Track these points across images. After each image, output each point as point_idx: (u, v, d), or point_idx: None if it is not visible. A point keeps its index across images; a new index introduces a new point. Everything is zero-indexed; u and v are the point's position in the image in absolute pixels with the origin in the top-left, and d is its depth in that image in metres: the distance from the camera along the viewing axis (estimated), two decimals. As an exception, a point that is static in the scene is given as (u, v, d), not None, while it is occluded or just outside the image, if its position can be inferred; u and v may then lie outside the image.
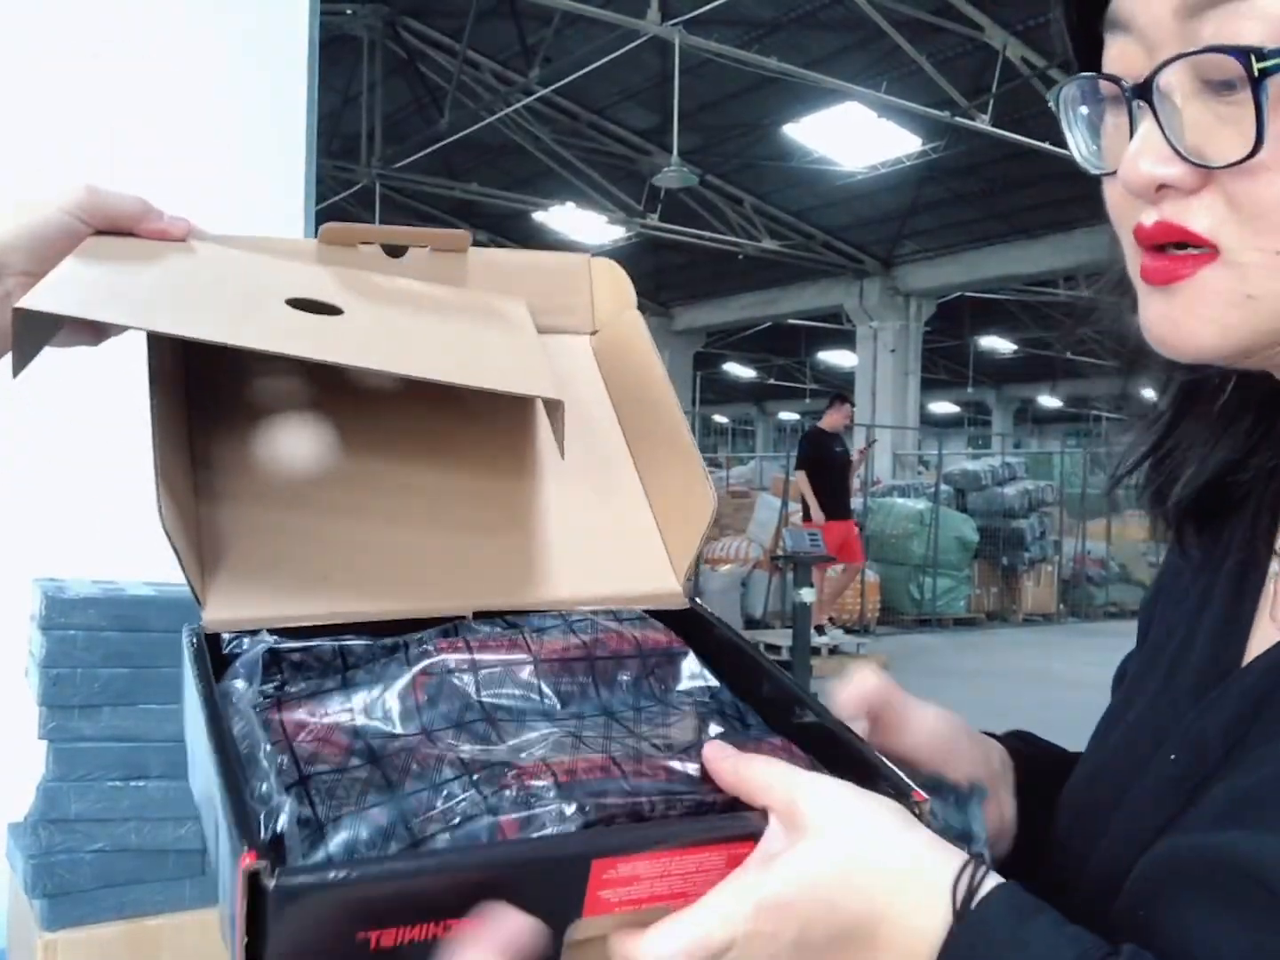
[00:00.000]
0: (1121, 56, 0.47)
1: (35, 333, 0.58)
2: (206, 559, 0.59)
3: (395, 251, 0.69)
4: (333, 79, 10.70)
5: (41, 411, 2.14)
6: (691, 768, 0.50)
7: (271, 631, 0.57)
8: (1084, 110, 0.51)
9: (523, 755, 0.50)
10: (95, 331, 0.66)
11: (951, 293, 14.70)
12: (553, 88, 10.44)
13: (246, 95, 2.34)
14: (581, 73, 9.71)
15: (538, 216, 13.07)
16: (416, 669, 0.54)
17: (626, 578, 0.65)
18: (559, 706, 0.55)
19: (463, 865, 0.43)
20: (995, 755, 0.65)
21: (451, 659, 0.55)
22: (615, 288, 0.73)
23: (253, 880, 0.39)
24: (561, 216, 12.59)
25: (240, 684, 0.54)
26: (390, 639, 0.56)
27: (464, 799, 0.46)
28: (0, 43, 2.12)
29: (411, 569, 0.61)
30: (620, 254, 14.56)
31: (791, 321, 16.75)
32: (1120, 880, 0.51)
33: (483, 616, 0.60)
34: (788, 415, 23.97)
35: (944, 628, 10.09)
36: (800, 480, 7.75)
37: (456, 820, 0.45)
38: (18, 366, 0.59)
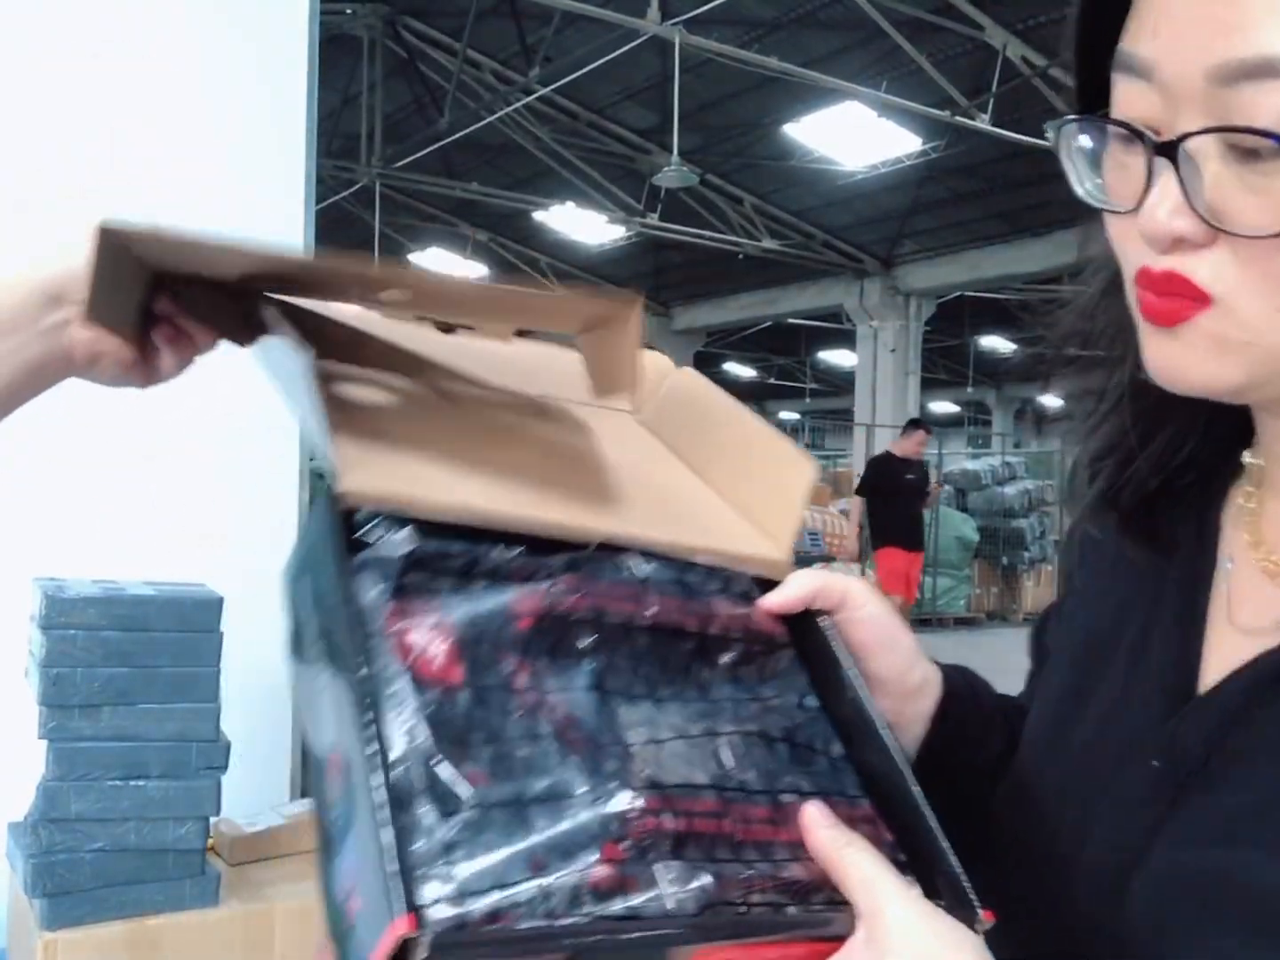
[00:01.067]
0: (1139, 101, 0.47)
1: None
2: (344, 446, 0.55)
3: (446, 327, 0.74)
4: (333, 79, 10.70)
5: (41, 412, 2.13)
6: (790, 832, 0.50)
7: (403, 526, 0.54)
8: (1085, 142, 0.51)
9: (629, 742, 0.50)
10: (147, 375, 0.68)
11: (951, 292, 14.68)
12: (553, 87, 10.44)
13: (246, 95, 2.34)
14: (581, 72, 9.71)
15: (538, 216, 13.07)
16: (540, 600, 0.53)
17: (738, 538, 0.63)
18: (663, 682, 0.54)
19: (588, 938, 0.43)
20: (921, 672, 0.65)
21: (573, 600, 0.53)
22: (651, 373, 0.74)
23: (403, 944, 0.39)
24: (561, 216, 12.58)
25: (369, 581, 0.51)
26: (521, 558, 0.55)
27: (582, 817, 0.46)
28: (0, 43, 2.11)
29: (545, 492, 0.60)
30: (620, 254, 14.58)
31: (791, 321, 16.73)
32: (1117, 893, 0.51)
33: (606, 550, 0.57)
34: (788, 415, 23.95)
35: (944, 627, 10.09)
36: (854, 505, 7.62)
37: (574, 858, 0.45)
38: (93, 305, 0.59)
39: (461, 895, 0.42)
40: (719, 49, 9.02)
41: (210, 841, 1.79)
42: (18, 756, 1.72)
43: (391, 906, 0.40)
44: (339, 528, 0.52)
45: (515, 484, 0.59)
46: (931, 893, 0.49)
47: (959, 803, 0.58)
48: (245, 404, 2.33)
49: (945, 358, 19.92)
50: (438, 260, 12.85)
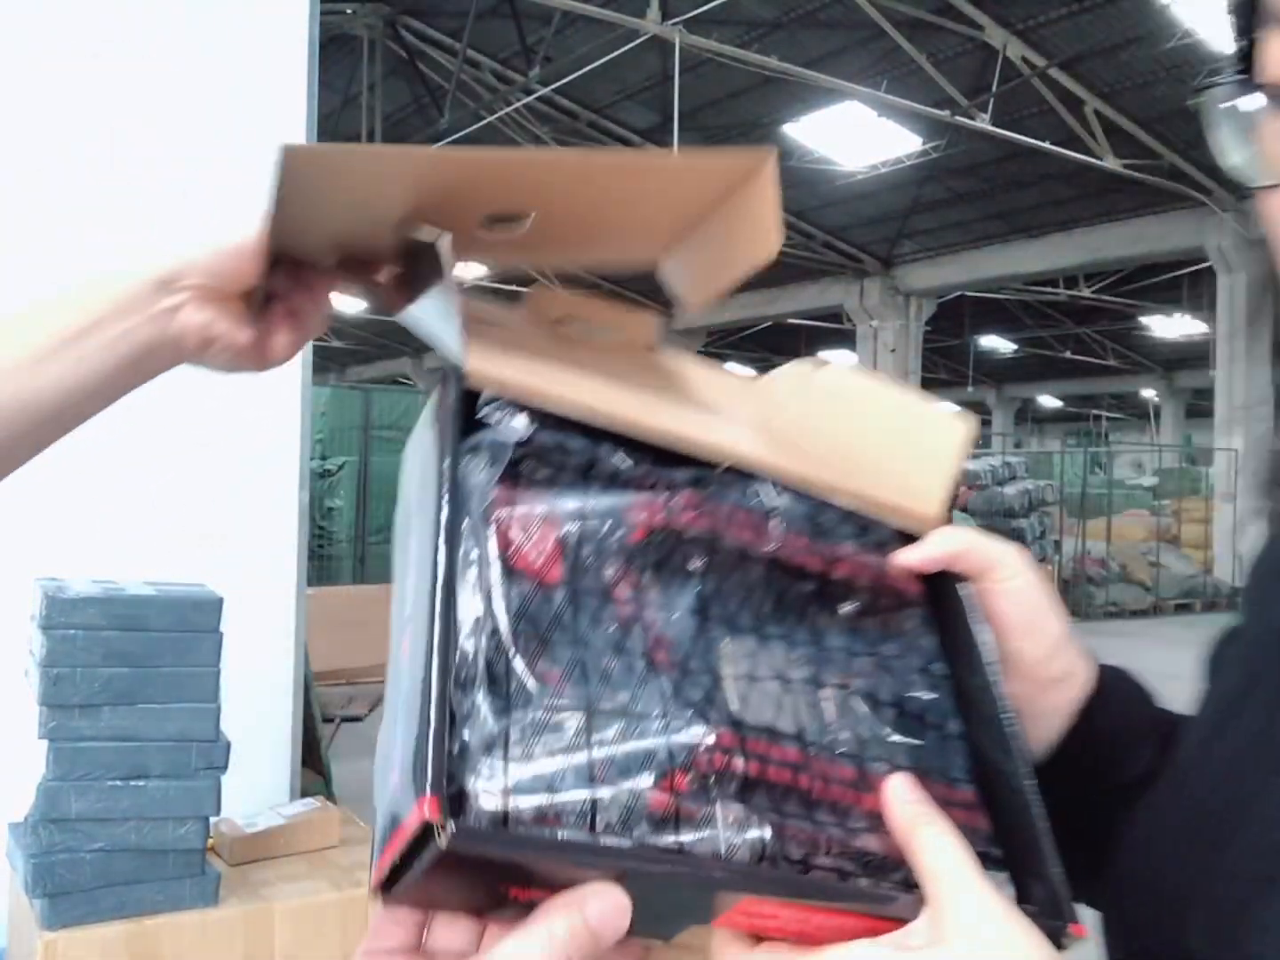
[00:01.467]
0: None
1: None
2: (475, 339, 0.52)
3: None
4: (333, 79, 10.70)
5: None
6: (874, 801, 0.47)
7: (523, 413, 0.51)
8: (1235, 113, 0.47)
9: (721, 673, 0.47)
10: (261, 358, 0.68)
11: (951, 292, 14.69)
12: (553, 87, 10.44)
13: (246, 95, 2.34)
14: (581, 72, 9.71)
15: (538, 216, 13.06)
16: (656, 513, 0.50)
17: (884, 485, 0.58)
18: (772, 620, 0.51)
19: (629, 862, 0.41)
20: (1065, 663, 0.58)
21: (691, 518, 0.50)
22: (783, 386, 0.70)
23: (423, 830, 0.37)
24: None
25: (479, 462, 0.48)
26: (643, 467, 0.51)
27: (650, 741, 0.43)
28: (0, 42, 2.12)
29: (677, 407, 0.57)
30: (620, 254, 14.55)
31: (792, 321, 16.74)
32: (1247, 918, 0.47)
33: (736, 475, 0.53)
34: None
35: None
36: None
37: (637, 773, 0.42)
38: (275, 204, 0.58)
39: (503, 791, 0.40)
40: (719, 49, 9.02)
41: (210, 841, 1.79)
42: (18, 756, 1.72)
43: (417, 787, 0.37)
44: (457, 405, 0.49)
45: (646, 396, 0.55)
46: (1024, 897, 0.46)
47: (1082, 812, 0.55)
48: (245, 404, 2.33)
49: (945, 357, 19.92)
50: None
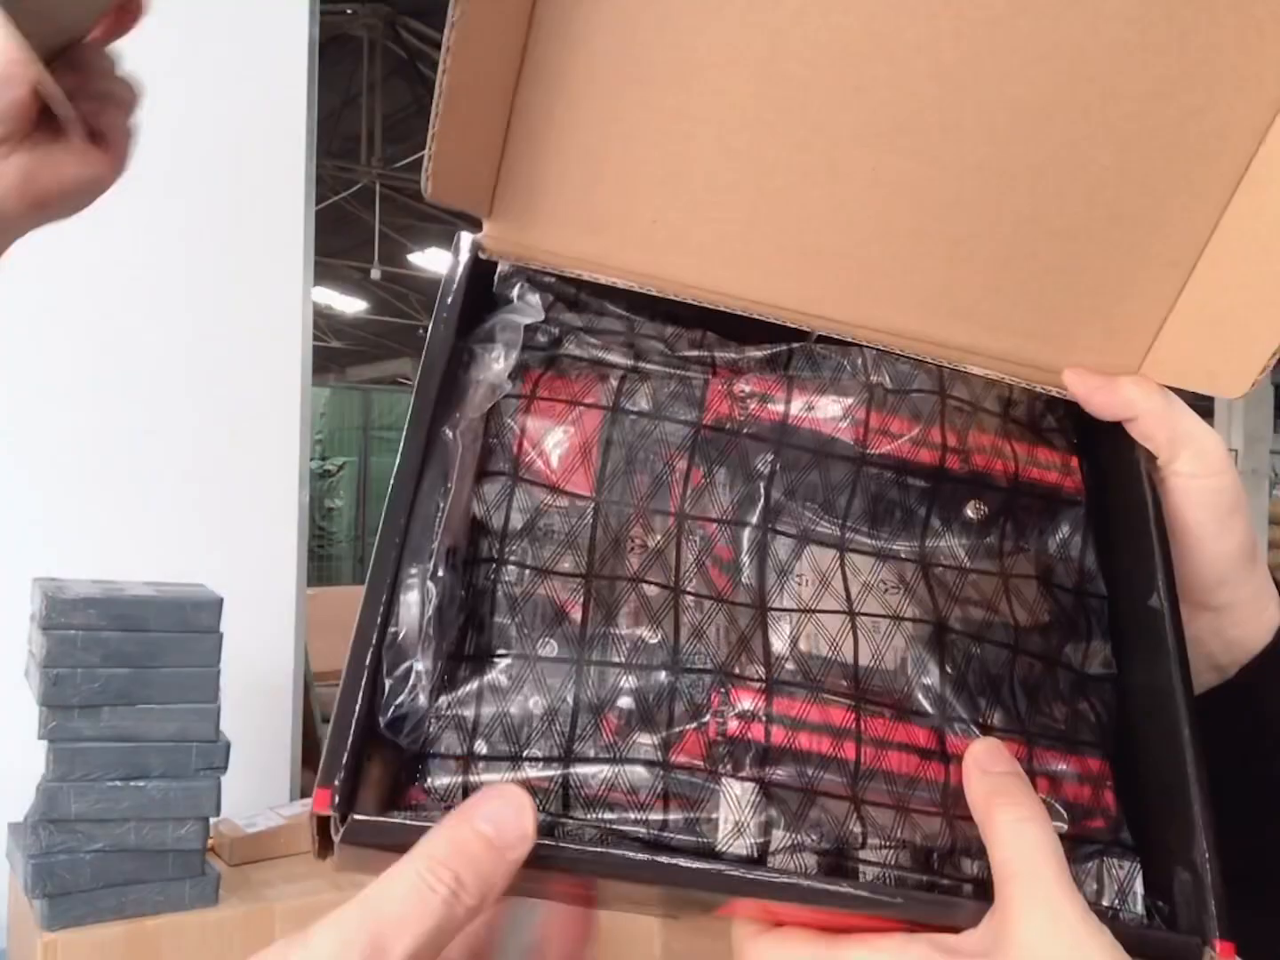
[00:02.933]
0: None
1: None
2: (507, 166, 0.39)
3: None
4: (333, 79, 10.69)
5: (41, 411, 2.13)
6: (938, 772, 0.37)
7: (551, 294, 0.41)
8: None
9: (772, 605, 0.37)
10: (101, 169, 0.57)
11: (951, 292, 14.68)
12: (553, 87, 10.43)
13: (247, 95, 2.34)
14: (581, 72, 9.69)
15: (538, 216, 13.06)
16: (715, 404, 0.40)
17: (1057, 342, 0.42)
18: (863, 529, 0.40)
19: (581, 863, 0.32)
20: (1232, 593, 0.45)
21: (762, 410, 0.40)
22: None
23: (321, 823, 0.31)
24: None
25: (496, 349, 0.39)
26: (706, 346, 0.41)
27: (648, 700, 0.35)
28: None
29: (792, 262, 0.41)
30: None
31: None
32: None
33: (832, 343, 0.42)
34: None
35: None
36: None
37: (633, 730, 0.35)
38: None
39: (463, 758, 0.34)
40: (719, 49, 9.01)
41: (210, 842, 1.79)
42: (18, 756, 1.72)
43: (323, 769, 0.31)
44: (466, 278, 0.39)
45: (739, 230, 0.41)
46: (1161, 893, 0.36)
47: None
48: (245, 404, 2.33)
49: (945, 358, 19.89)
50: (437, 260, 12.85)
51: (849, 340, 0.42)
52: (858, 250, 0.41)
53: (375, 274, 13.04)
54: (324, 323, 17.25)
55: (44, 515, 2.14)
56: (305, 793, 2.41)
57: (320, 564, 8.66)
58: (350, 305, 16.73)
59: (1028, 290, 0.42)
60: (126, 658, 1.68)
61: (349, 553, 9.34)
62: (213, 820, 1.78)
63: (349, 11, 10.70)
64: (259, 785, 2.23)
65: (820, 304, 0.41)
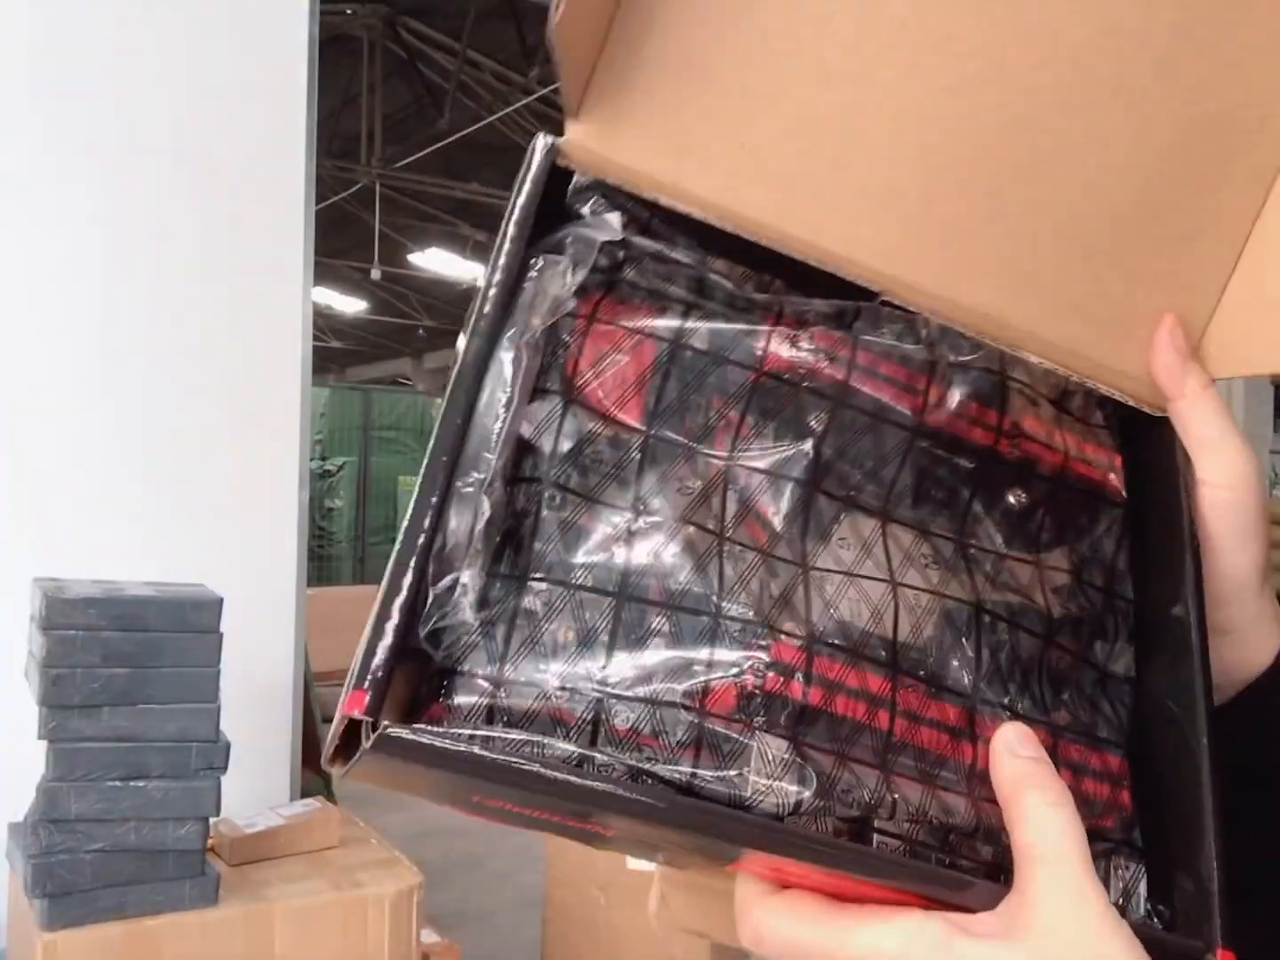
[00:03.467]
0: None
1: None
2: (604, 64, 0.37)
3: None
4: (333, 79, 10.69)
5: (41, 412, 2.13)
6: (969, 753, 0.36)
7: (630, 206, 0.39)
8: None
9: (814, 565, 0.36)
10: None
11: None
12: (552, 87, 10.43)
13: (247, 95, 2.34)
14: (581, 72, 9.69)
15: (538, 216, 13.05)
16: (777, 352, 0.38)
17: (1117, 344, 0.42)
18: (907, 501, 0.39)
19: (600, 798, 0.31)
20: (1236, 613, 0.44)
21: (822, 365, 0.39)
22: None
23: (350, 726, 0.31)
24: (561, 216, 12.58)
25: (561, 264, 0.37)
26: (774, 292, 0.39)
27: (688, 646, 0.34)
28: (0, 42, 2.11)
29: (852, 203, 0.40)
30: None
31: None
32: None
33: (898, 309, 0.40)
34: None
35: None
36: None
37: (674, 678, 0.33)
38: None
39: (491, 682, 0.33)
40: (719, 49, 9.00)
41: (210, 842, 1.79)
42: (18, 756, 1.72)
43: (358, 674, 0.30)
44: (538, 185, 0.37)
45: (823, 177, 0.40)
46: (1163, 898, 0.37)
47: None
48: (245, 405, 2.33)
49: (945, 358, 19.89)
50: (438, 260, 12.84)
51: (914, 310, 0.40)
52: (936, 204, 0.40)
53: (375, 274, 13.04)
54: (324, 323, 17.24)
55: (44, 515, 2.14)
56: (305, 793, 2.41)
57: (320, 564, 8.66)
58: (350, 305, 16.73)
59: (1089, 270, 0.42)
60: (126, 658, 1.68)
61: (349, 553, 9.35)
62: (213, 820, 1.78)
63: (349, 11, 10.70)
64: (259, 785, 2.23)
65: (893, 260, 0.40)
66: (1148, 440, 0.43)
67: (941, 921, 0.33)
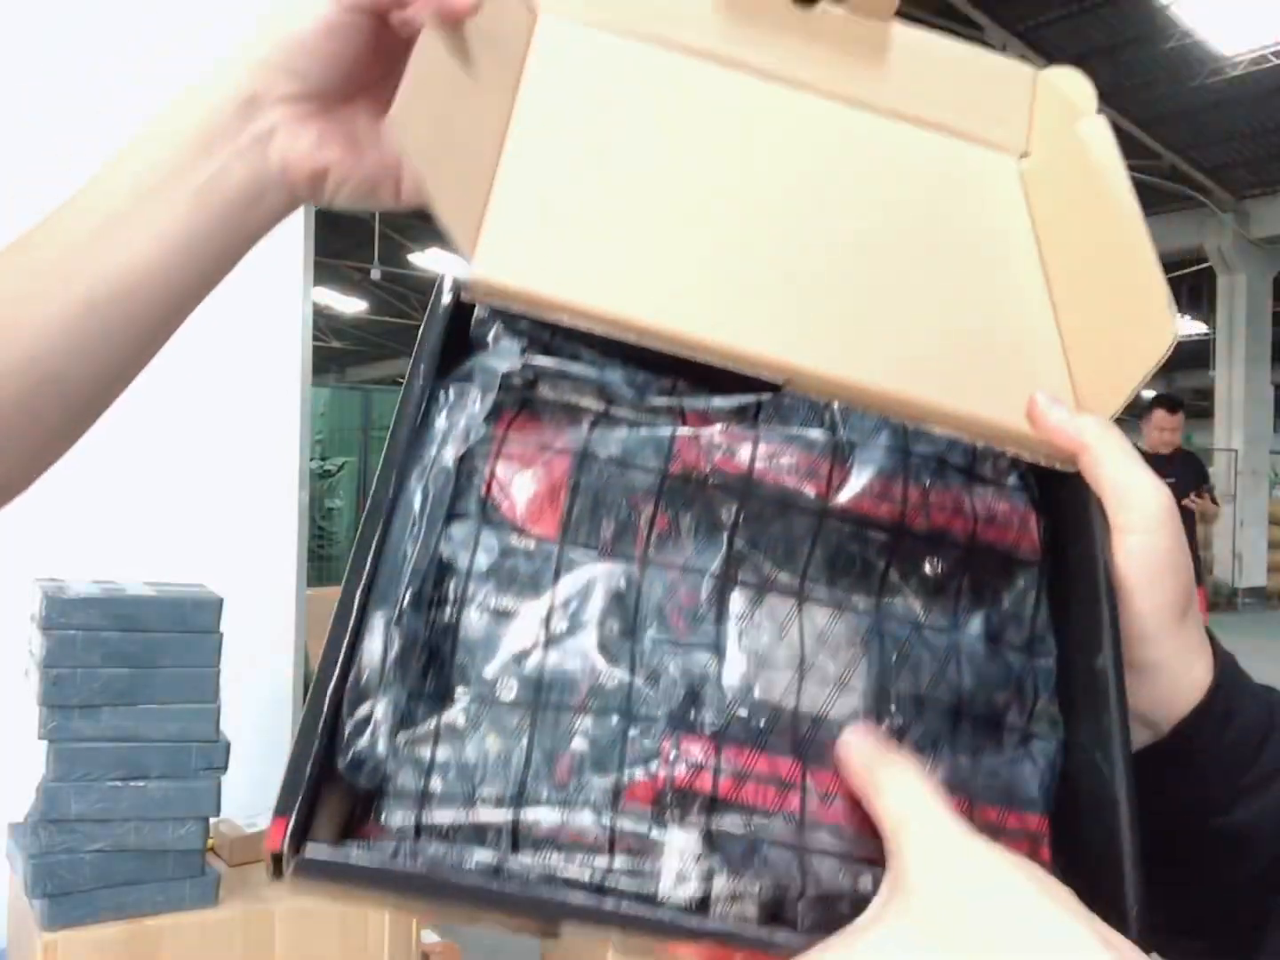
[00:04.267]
0: None
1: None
2: (490, 212, 0.42)
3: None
4: (333, 79, 10.65)
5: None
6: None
7: (526, 339, 0.42)
8: None
9: (727, 653, 0.38)
10: (396, 188, 0.51)
11: (951, 292, 14.65)
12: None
13: (246, 95, 2.34)
14: (581, 72, 9.69)
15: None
16: (683, 453, 0.40)
17: (1013, 406, 0.44)
18: (822, 582, 0.40)
19: (517, 904, 0.34)
20: (1158, 653, 0.44)
21: (727, 461, 0.40)
22: (1065, 101, 0.56)
23: (274, 856, 0.32)
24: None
25: (471, 393, 0.40)
26: (677, 394, 0.41)
27: (602, 747, 0.36)
28: (0, 42, 2.11)
29: (735, 304, 0.44)
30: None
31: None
32: None
33: (800, 395, 0.42)
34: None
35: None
36: None
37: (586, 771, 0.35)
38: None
39: (417, 798, 0.34)
40: (719, 49, 9.00)
41: (210, 842, 1.79)
42: (18, 756, 1.72)
43: (279, 800, 0.32)
44: (445, 320, 0.40)
45: (700, 287, 0.43)
46: None
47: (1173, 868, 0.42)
48: (245, 404, 2.33)
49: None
50: (438, 260, 12.85)
51: (813, 397, 0.43)
52: (825, 298, 0.45)
53: (375, 274, 13.04)
54: (324, 323, 17.24)
55: (44, 515, 2.14)
56: (305, 793, 2.41)
57: (320, 564, 8.66)
58: (350, 305, 16.72)
59: (978, 344, 0.47)
60: (126, 658, 1.68)
61: (349, 553, 9.32)
62: (213, 820, 1.78)
63: (349, 11, 10.71)
64: (259, 785, 2.23)
65: (792, 350, 0.43)
66: (1062, 495, 0.45)
67: (836, 940, 0.34)
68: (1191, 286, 13.96)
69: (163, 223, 0.48)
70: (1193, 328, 16.04)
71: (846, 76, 0.54)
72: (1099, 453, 0.43)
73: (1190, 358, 18.08)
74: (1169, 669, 0.44)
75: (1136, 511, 0.43)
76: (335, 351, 17.86)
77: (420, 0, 0.45)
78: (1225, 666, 0.46)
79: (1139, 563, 0.43)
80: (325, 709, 0.34)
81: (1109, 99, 10.02)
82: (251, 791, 2.10)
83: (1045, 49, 9.31)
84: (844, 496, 0.41)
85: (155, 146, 0.48)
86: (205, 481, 2.28)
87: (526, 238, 0.42)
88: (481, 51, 0.45)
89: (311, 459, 2.50)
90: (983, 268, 0.50)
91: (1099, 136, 0.51)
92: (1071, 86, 0.56)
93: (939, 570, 0.42)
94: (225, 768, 1.75)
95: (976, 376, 0.45)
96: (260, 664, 2.30)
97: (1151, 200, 11.59)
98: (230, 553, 2.26)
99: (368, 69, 0.49)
